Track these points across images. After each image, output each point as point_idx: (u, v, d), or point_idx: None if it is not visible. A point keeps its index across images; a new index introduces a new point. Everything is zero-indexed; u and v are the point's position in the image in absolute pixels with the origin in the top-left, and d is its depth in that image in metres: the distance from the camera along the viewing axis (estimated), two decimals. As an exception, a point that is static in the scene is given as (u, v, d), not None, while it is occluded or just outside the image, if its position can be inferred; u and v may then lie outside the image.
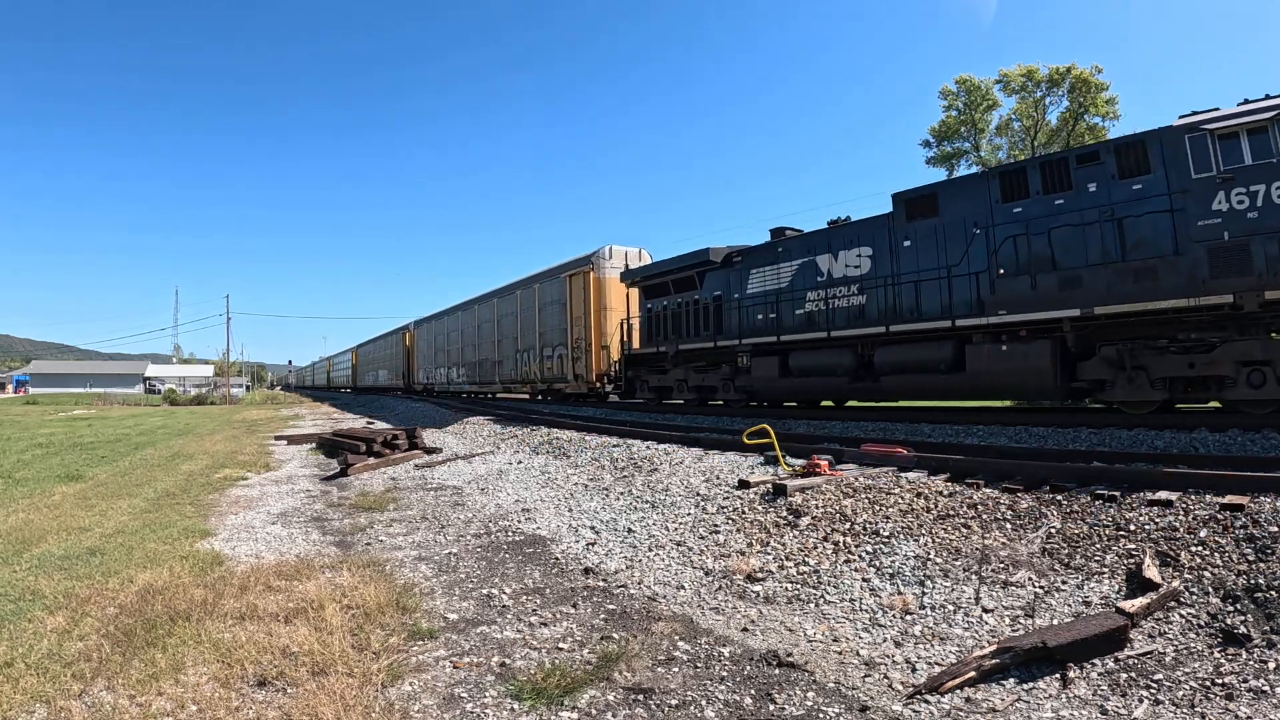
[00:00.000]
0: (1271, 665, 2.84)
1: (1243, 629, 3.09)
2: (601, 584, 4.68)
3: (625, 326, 17.42)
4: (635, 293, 17.11)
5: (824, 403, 13.60)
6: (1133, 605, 3.29)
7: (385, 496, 8.27)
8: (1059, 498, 4.83)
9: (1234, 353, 7.59)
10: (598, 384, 18.68)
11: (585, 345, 18.72)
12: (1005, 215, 9.37)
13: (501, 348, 24.16)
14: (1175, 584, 3.53)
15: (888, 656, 3.35)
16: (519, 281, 23.18)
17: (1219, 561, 3.65)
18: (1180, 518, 4.21)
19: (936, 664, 3.22)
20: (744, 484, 6.18)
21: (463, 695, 3.04)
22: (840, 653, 3.44)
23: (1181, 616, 3.31)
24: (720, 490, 6.30)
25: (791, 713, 2.85)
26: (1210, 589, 3.45)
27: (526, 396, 24.66)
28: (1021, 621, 3.53)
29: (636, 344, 16.84)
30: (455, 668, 3.33)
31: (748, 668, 3.29)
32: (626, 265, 18.39)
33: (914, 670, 3.20)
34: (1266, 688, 2.72)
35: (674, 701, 2.95)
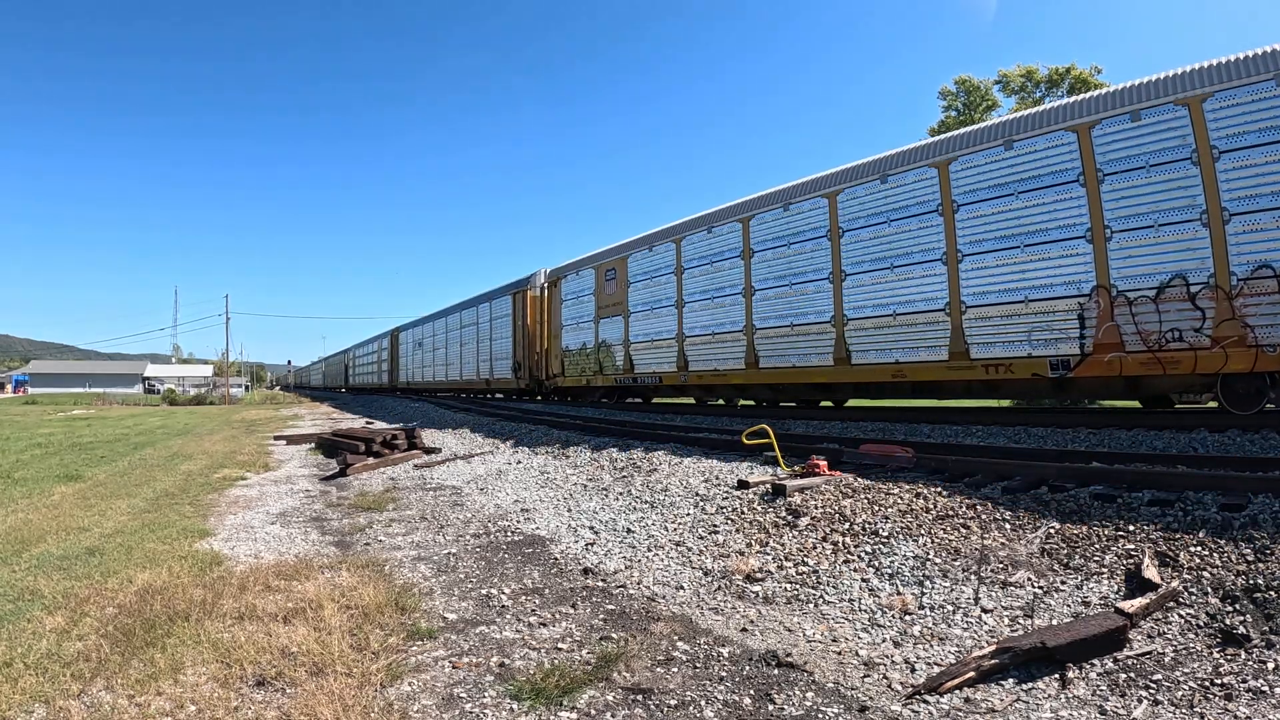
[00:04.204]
0: (1270, 665, 2.84)
1: (1242, 629, 3.09)
2: (600, 584, 4.68)
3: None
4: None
5: (824, 403, 13.63)
6: (1132, 605, 3.29)
7: (384, 496, 8.26)
8: (1058, 498, 4.83)
9: None
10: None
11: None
12: None
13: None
14: (1174, 584, 3.53)
15: (887, 657, 3.35)
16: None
17: (1218, 562, 3.66)
18: (1179, 518, 4.21)
19: (936, 664, 3.22)
20: (743, 484, 6.17)
21: (462, 695, 3.04)
22: (839, 653, 3.44)
23: (1180, 617, 3.31)
24: (719, 490, 6.30)
25: (790, 713, 2.85)
26: (1209, 589, 3.45)
27: (526, 396, 25.77)
28: (1021, 622, 3.53)
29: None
30: (454, 668, 3.33)
31: (747, 668, 3.28)
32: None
33: (913, 670, 3.19)
34: (1265, 688, 2.72)
35: (673, 702, 2.95)
